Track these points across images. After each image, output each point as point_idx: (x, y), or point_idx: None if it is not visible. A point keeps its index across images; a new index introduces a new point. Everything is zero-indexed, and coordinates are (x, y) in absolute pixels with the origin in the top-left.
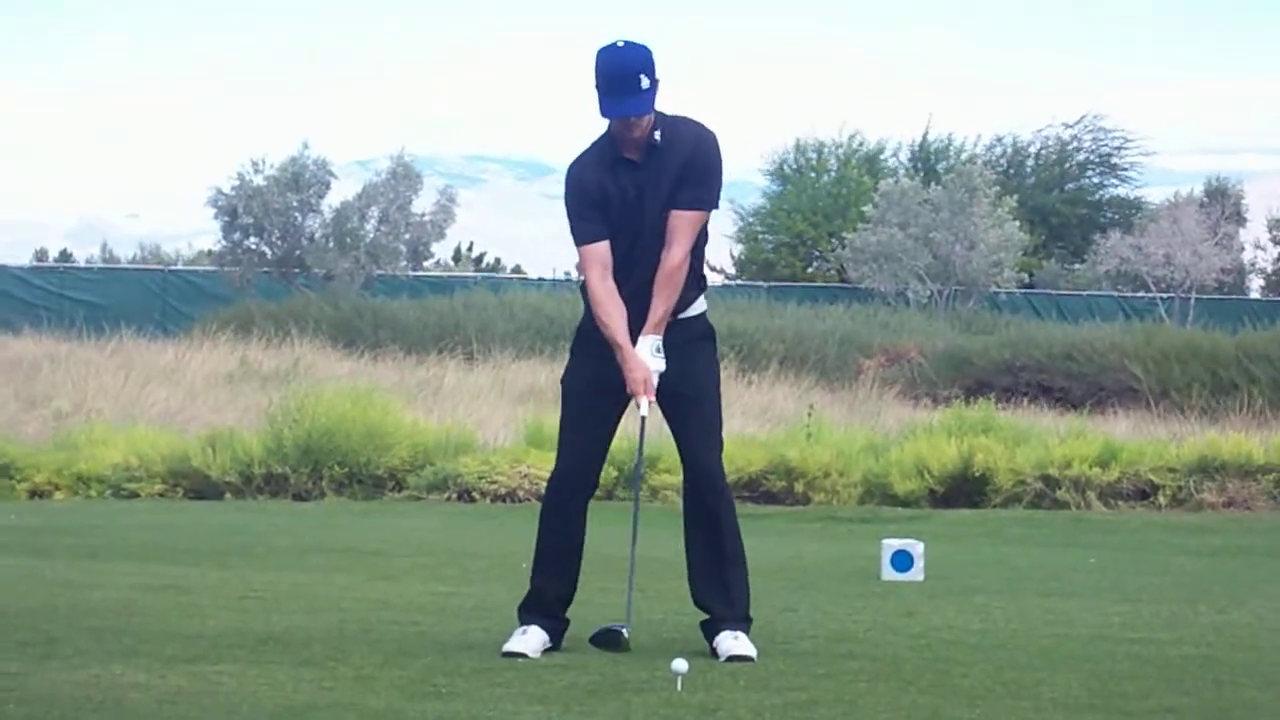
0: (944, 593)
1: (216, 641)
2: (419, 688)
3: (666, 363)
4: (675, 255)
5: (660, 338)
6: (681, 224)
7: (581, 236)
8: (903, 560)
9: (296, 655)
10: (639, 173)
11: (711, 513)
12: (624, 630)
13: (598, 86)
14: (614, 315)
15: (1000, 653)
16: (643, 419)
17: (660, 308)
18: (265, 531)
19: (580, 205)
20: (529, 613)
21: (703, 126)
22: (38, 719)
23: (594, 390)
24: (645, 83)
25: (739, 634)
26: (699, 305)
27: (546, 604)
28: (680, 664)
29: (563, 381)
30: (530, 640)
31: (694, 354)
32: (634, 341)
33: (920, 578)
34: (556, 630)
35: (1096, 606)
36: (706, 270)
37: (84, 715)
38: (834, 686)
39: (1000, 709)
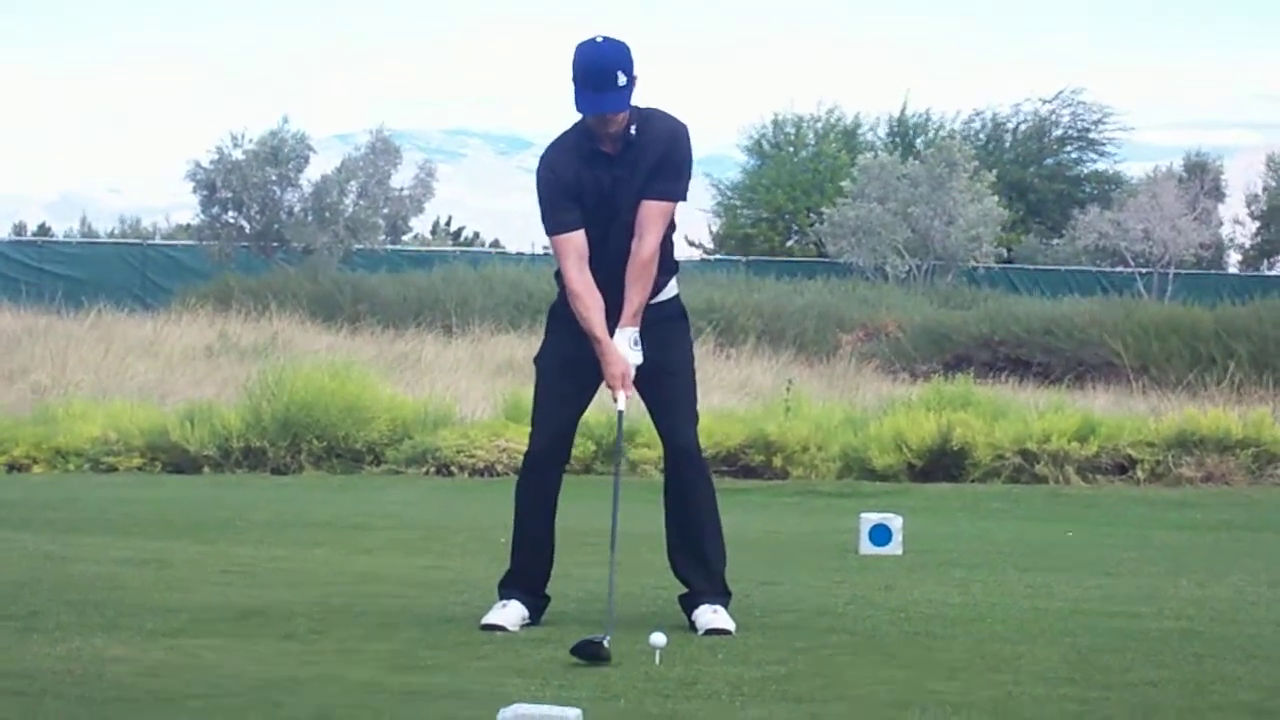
0: (923, 566)
1: (198, 615)
2: (401, 660)
3: (642, 341)
4: (647, 246)
5: (637, 330)
6: (652, 214)
7: (557, 226)
8: (881, 534)
9: (278, 629)
10: (614, 166)
11: (689, 486)
12: (605, 641)
13: (575, 80)
14: (592, 308)
15: (979, 626)
16: (620, 412)
17: (635, 299)
18: (244, 505)
19: (555, 195)
20: (508, 587)
21: (676, 120)
22: (19, 692)
23: (568, 369)
24: (622, 80)
25: (718, 607)
26: (671, 288)
27: (527, 579)
28: (658, 637)
29: (536, 360)
30: (509, 614)
31: (667, 333)
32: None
33: (899, 551)
34: (536, 606)
35: (1075, 580)
36: (683, 248)
37: (66, 688)
38: (813, 660)
39: (979, 682)
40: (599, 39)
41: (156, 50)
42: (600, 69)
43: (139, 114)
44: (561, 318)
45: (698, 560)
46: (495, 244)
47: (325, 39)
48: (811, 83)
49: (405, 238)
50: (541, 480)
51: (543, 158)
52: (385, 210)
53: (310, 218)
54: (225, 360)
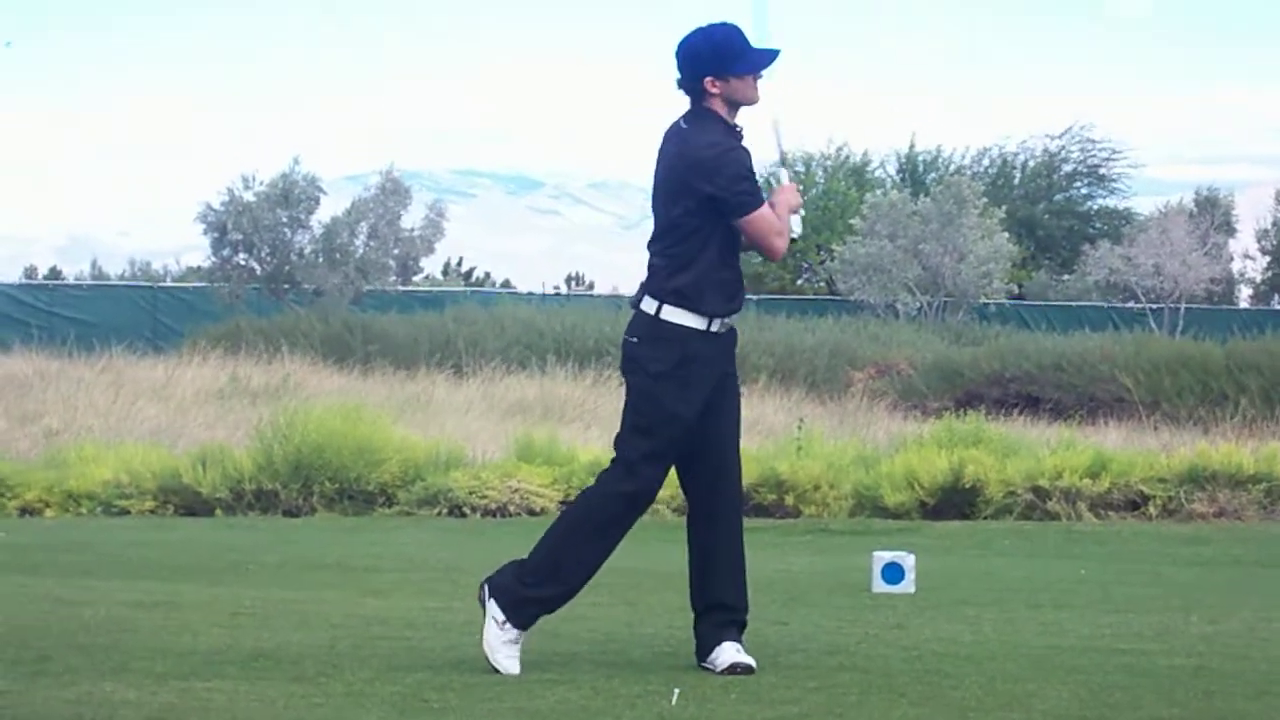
0: (935, 605)
1: (208, 658)
2: (410, 703)
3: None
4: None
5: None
6: None
7: (760, 198)
8: (894, 572)
9: (288, 671)
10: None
11: (739, 506)
12: None
13: (733, 51)
14: (776, 218)
15: (991, 664)
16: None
17: None
18: (255, 548)
19: (750, 171)
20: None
21: None
22: None
23: (698, 418)
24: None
25: (739, 645)
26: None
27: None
28: None
29: (668, 407)
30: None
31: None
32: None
33: (911, 590)
34: None
35: (1087, 617)
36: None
37: None
38: (825, 699)
39: None
40: (706, 25)
41: (166, 92)
42: (745, 34)
43: (148, 156)
44: (701, 359)
45: (740, 580)
46: (506, 284)
47: (335, 79)
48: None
49: (416, 278)
50: (635, 520)
51: (714, 140)
52: (396, 251)
53: (321, 259)
54: (237, 403)
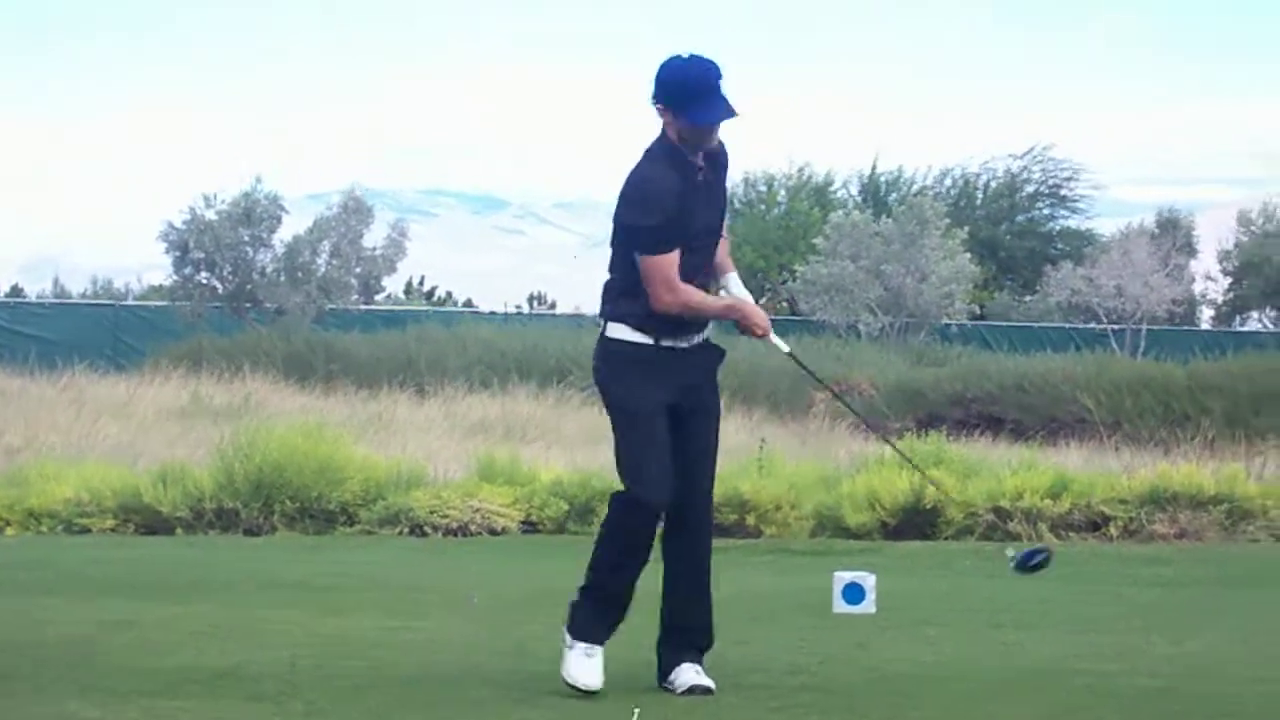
0: (896, 625)
1: (172, 677)
2: None
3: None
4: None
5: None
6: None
7: (666, 245)
8: (854, 593)
9: (249, 690)
10: (704, 177)
11: (706, 528)
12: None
13: (688, 93)
14: (697, 292)
15: (953, 684)
16: (790, 353)
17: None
18: (217, 566)
19: (665, 212)
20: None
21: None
22: None
23: (662, 412)
24: (721, 84)
25: (699, 667)
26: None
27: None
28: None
29: (624, 408)
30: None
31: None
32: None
33: (872, 610)
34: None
35: (1049, 638)
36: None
37: None
38: (786, 719)
39: None
40: (687, 55)
41: (127, 110)
42: (712, 80)
43: (110, 174)
44: (654, 364)
45: (706, 598)
46: (468, 303)
47: (299, 97)
48: (782, 140)
49: (378, 297)
50: (652, 530)
51: (645, 175)
52: (358, 270)
53: (283, 278)
54: (198, 421)
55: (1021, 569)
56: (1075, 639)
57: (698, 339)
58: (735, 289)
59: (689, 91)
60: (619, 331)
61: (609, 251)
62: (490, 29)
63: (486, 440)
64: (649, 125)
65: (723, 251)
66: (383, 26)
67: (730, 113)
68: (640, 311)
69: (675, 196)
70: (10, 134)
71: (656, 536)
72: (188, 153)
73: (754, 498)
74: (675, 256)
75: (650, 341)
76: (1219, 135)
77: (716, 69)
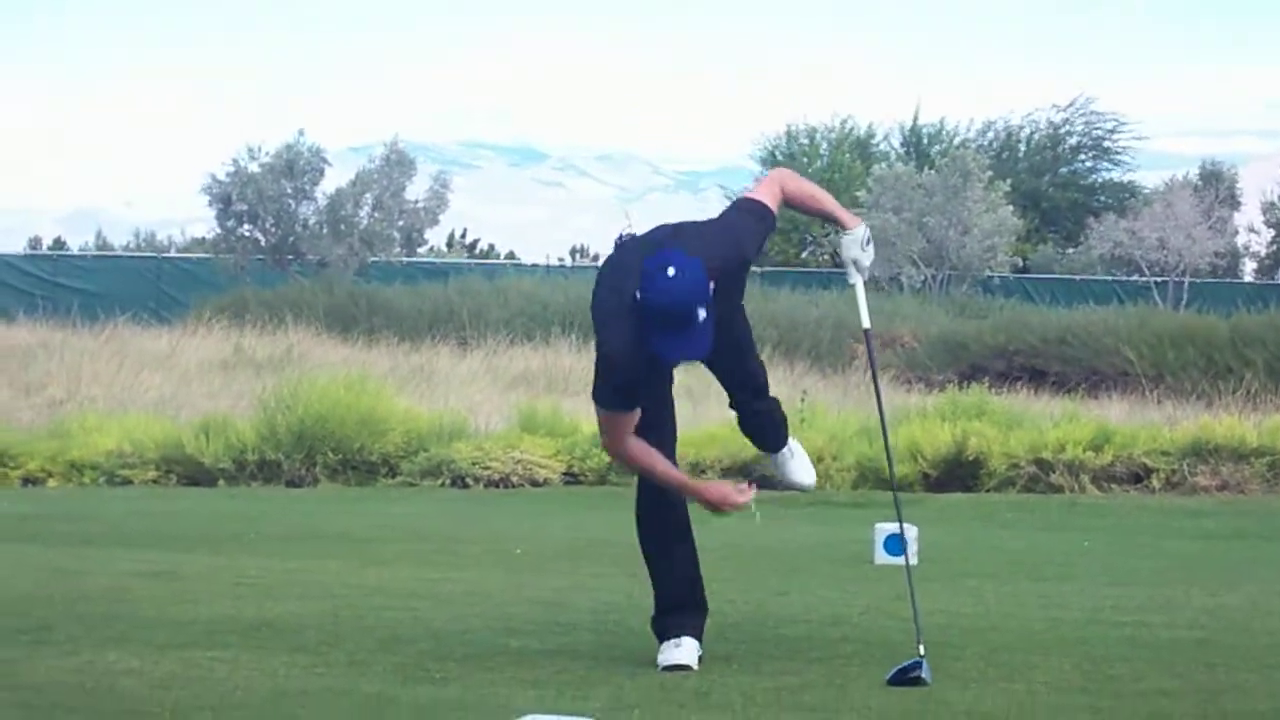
0: (937, 576)
1: (209, 628)
2: (412, 673)
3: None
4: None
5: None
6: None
7: (623, 403)
8: (895, 544)
9: (289, 641)
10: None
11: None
12: (920, 669)
13: (661, 324)
14: (661, 461)
15: (993, 635)
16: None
17: (827, 202)
18: (258, 518)
19: (626, 380)
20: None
21: (726, 228)
22: (30, 705)
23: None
24: (703, 314)
25: (681, 640)
26: None
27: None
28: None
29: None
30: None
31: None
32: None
33: (914, 561)
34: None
35: (1089, 590)
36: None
37: (77, 702)
38: (826, 670)
39: (992, 691)
40: (670, 270)
41: (170, 63)
42: (685, 305)
43: (153, 127)
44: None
45: (690, 571)
46: (510, 256)
47: (340, 51)
48: (825, 93)
49: (420, 250)
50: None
51: (615, 347)
52: (400, 222)
53: (325, 230)
54: (240, 373)
55: (897, 682)
56: (1115, 591)
57: None
58: (846, 248)
59: (666, 323)
60: None
61: (650, 205)
62: None
63: (528, 392)
64: (688, 77)
65: (807, 190)
66: None
67: (693, 355)
68: None
69: (646, 365)
70: (50, 90)
71: None
72: (231, 107)
73: None
74: (634, 416)
75: None
76: (1263, 88)
77: (684, 293)
